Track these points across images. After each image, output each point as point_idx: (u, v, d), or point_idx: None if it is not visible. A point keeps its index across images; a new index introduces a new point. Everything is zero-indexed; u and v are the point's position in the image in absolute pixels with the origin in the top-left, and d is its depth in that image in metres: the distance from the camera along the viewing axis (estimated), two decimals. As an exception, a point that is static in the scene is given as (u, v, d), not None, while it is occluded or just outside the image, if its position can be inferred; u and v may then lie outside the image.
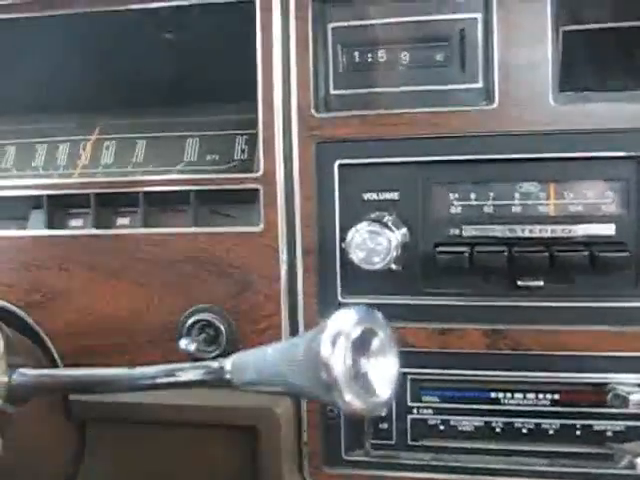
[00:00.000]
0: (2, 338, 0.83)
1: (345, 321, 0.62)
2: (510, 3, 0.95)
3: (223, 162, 1.14)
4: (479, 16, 0.97)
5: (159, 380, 0.77)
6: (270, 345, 0.69)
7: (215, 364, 0.73)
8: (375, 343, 0.64)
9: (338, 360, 0.60)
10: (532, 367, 0.98)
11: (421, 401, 1.03)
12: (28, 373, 0.91)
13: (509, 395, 1.01)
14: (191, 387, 0.76)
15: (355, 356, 0.62)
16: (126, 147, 1.20)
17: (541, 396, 1.00)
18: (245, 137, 1.15)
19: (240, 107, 1.10)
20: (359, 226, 0.94)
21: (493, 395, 1.01)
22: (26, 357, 0.98)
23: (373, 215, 0.97)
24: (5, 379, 0.82)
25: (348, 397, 0.61)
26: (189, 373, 0.75)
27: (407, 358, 0.72)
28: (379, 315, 0.65)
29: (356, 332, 0.62)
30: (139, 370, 0.80)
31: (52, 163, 1.21)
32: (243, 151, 1.14)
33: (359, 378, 0.62)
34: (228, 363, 0.71)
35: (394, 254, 0.94)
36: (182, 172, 1.12)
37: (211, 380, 0.73)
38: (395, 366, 0.65)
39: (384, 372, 0.64)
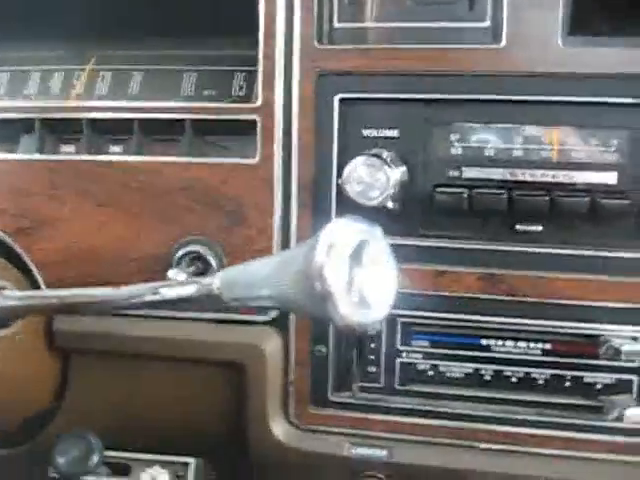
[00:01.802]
0: None
1: (341, 231, 0.60)
2: None
3: (220, 98, 1.12)
4: (489, -48, 0.94)
5: (146, 298, 0.75)
6: (260, 259, 0.67)
7: (203, 280, 0.71)
8: (372, 256, 0.62)
9: (333, 270, 0.59)
10: (525, 314, 0.97)
11: (411, 345, 1.02)
12: (12, 294, 0.89)
13: (500, 342, 1.00)
14: (179, 305, 0.74)
15: (351, 268, 0.60)
16: (122, 79, 1.17)
17: (532, 345, 0.99)
18: (244, 73, 1.12)
19: (240, 42, 1.07)
20: (357, 160, 0.92)
21: (484, 342, 1.00)
22: (11, 283, 0.96)
23: (372, 151, 0.95)
24: (-11, 299, 0.80)
25: (342, 309, 0.59)
26: (176, 290, 0.73)
27: (399, 300, 0.70)
28: (377, 228, 0.63)
29: (352, 243, 0.60)
30: (125, 289, 0.78)
31: (45, 92, 1.18)
32: (241, 87, 1.12)
33: (355, 290, 0.60)
34: (217, 278, 0.69)
35: (392, 191, 0.92)
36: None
37: (199, 297, 0.71)
38: (393, 281, 0.64)
39: (381, 287, 0.63)
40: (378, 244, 0.63)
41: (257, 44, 1.00)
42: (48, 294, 0.92)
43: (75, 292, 0.83)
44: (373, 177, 0.91)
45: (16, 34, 1.19)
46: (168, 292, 0.73)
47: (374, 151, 0.95)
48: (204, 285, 0.70)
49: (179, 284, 0.74)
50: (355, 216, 0.92)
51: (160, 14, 1.18)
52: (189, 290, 0.72)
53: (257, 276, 0.65)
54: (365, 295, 0.61)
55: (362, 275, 0.61)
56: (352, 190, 0.92)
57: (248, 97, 1.09)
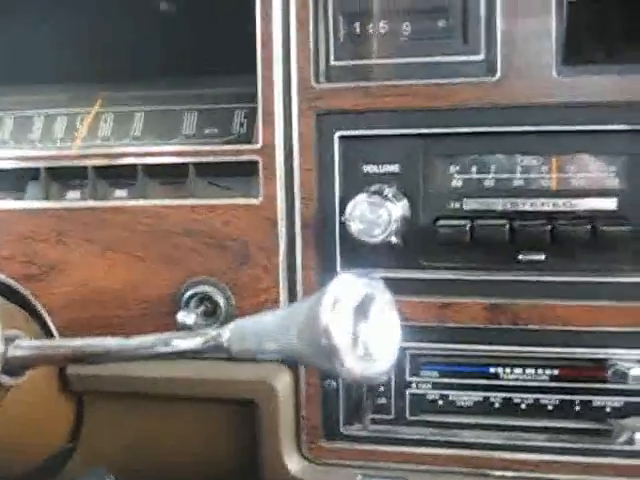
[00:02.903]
0: None
1: (346, 286, 0.61)
2: None
3: (222, 136, 1.13)
4: (482, -14, 0.95)
5: (156, 349, 0.76)
6: (269, 312, 0.68)
7: (213, 332, 0.72)
8: (376, 310, 0.63)
9: (338, 325, 0.60)
10: (532, 342, 0.98)
11: (420, 376, 1.03)
12: (24, 344, 0.90)
13: (508, 370, 1.00)
14: (189, 356, 0.75)
15: (356, 322, 0.61)
16: (124, 120, 1.18)
17: (540, 371, 1.00)
18: (244, 111, 1.14)
19: (240, 80, 1.08)
20: (359, 198, 0.93)
21: (492, 370, 1.01)
22: (22, 330, 0.98)
23: (373, 187, 0.96)
24: (1, 348, 0.81)
25: (348, 364, 0.60)
26: (186, 342, 0.74)
27: (406, 332, 0.71)
28: (380, 282, 0.64)
29: (357, 297, 0.61)
30: (136, 340, 0.79)
31: (49, 136, 1.19)
32: (242, 124, 1.13)
33: (360, 344, 0.61)
34: (226, 331, 0.70)
35: (394, 227, 0.93)
36: (180, 144, 1.10)
37: (209, 348, 0.72)
38: (397, 333, 0.65)
39: (385, 339, 0.64)
40: (382, 297, 0.64)
41: (255, 81, 1.01)
42: (60, 344, 0.93)
43: (87, 342, 0.84)
44: (375, 214, 0.92)
45: (21, 78, 1.21)
46: (179, 344, 0.74)
47: (375, 188, 0.96)
48: (213, 337, 0.71)
49: (190, 336, 0.74)
50: (358, 255, 0.96)
51: (160, 54, 1.20)
52: (199, 342, 0.73)
53: (265, 330, 0.66)
54: (370, 348, 0.62)
55: (367, 329, 0.62)
56: (355, 228, 0.93)
57: (249, 134, 1.10)
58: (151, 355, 0.77)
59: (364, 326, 0.61)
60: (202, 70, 1.15)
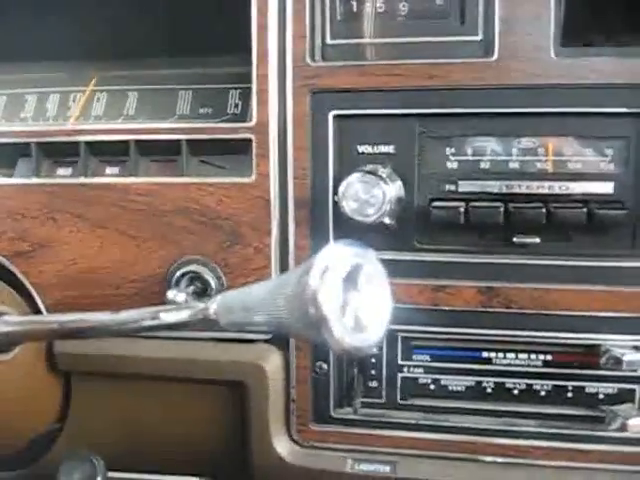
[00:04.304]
0: None
1: (335, 255, 0.60)
2: None
3: (216, 116, 1.12)
4: (480, -34, 0.94)
5: (144, 323, 0.76)
6: (257, 283, 0.67)
7: (200, 304, 0.71)
8: (366, 280, 0.62)
9: (327, 295, 0.59)
10: (525, 326, 0.97)
11: (412, 360, 1.02)
12: (12, 320, 0.90)
13: (501, 355, 1.00)
14: (177, 329, 0.74)
15: (345, 291, 0.60)
16: (117, 99, 1.17)
17: (533, 356, 0.99)
18: (239, 91, 1.12)
19: (235, 60, 1.07)
20: (352, 177, 0.92)
21: (485, 355, 1.00)
22: (10, 307, 0.97)
23: (367, 167, 0.95)
24: (-12, 325, 0.80)
25: (337, 334, 0.59)
26: (173, 314, 0.73)
27: (399, 315, 0.70)
28: (371, 251, 0.63)
29: (346, 267, 0.60)
30: (123, 314, 0.78)
31: (42, 114, 1.18)
32: (237, 105, 1.12)
33: (349, 314, 0.60)
34: (213, 303, 0.70)
35: (388, 207, 0.92)
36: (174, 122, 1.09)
37: (196, 321, 0.71)
38: (388, 304, 0.64)
39: (376, 310, 0.63)
40: (372, 267, 0.63)
41: (250, 58, 1.00)
42: (48, 319, 0.93)
43: (75, 317, 0.83)
44: (369, 194, 0.91)
45: (15, 56, 1.20)
46: (167, 317, 0.73)
47: (370, 167, 0.94)
48: (201, 310, 0.70)
49: (177, 309, 0.73)
50: (351, 236, 0.95)
51: (154, 33, 1.18)
52: (186, 315, 0.72)
53: (253, 301, 0.65)
54: (360, 319, 0.61)
55: (357, 299, 0.61)
56: (348, 207, 0.92)
57: (244, 114, 1.09)
58: (138, 329, 0.76)
59: (354, 296, 0.61)
60: (197, 50, 1.14)
